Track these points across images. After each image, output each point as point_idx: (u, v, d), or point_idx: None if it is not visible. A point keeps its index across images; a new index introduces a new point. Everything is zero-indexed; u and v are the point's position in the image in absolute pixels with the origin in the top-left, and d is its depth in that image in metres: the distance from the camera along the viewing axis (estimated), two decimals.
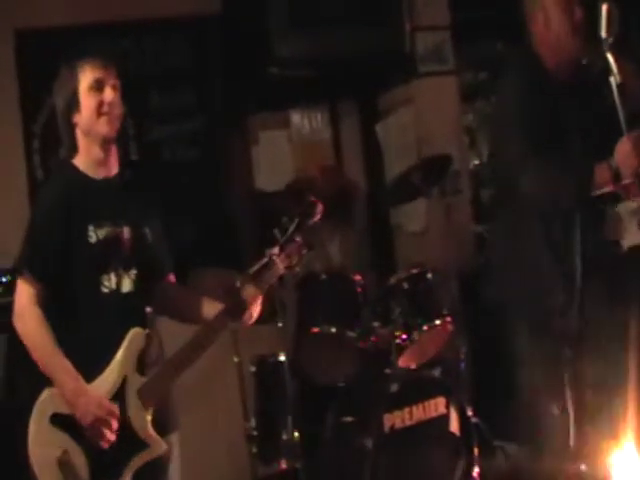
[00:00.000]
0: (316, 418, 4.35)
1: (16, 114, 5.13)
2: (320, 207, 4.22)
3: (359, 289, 4.53)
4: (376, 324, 4.53)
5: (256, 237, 5.18)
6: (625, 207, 3.60)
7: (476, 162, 6.04)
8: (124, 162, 3.35)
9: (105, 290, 3.14)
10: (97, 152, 3.21)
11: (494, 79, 5.90)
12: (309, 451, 4.29)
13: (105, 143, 3.22)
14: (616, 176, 3.35)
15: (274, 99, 5.52)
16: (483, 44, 5.96)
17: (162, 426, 3.17)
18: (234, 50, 5.45)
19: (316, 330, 4.42)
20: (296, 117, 5.81)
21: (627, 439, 3.37)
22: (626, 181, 3.32)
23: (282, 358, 4.40)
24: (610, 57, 3.16)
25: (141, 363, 3.16)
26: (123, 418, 3.08)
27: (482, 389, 4.66)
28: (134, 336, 3.13)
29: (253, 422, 4.46)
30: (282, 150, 5.73)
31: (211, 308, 3.27)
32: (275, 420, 4.43)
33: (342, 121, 5.93)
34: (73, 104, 3.19)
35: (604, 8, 3.15)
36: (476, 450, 4.34)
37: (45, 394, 3.07)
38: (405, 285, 4.53)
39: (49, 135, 5.09)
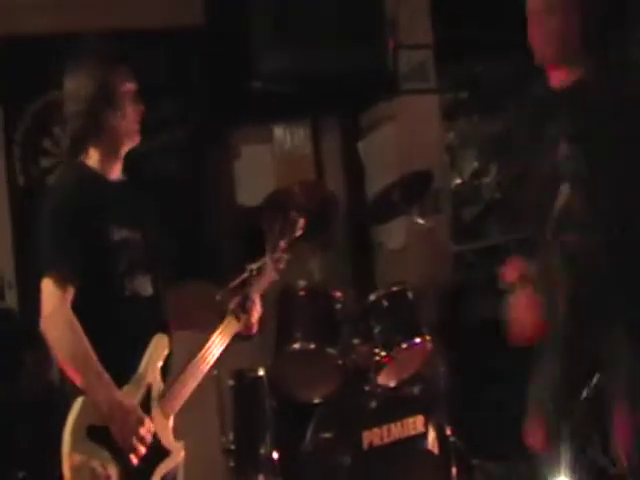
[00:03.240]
0: (295, 434, 4.33)
1: None
2: (302, 222, 4.21)
3: (339, 305, 4.51)
4: (356, 341, 4.50)
5: (237, 252, 5.16)
6: None
7: (457, 181, 6.05)
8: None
9: (127, 294, 3.05)
10: (116, 155, 3.18)
11: (475, 98, 5.96)
12: (287, 467, 4.26)
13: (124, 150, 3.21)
14: None
15: (257, 113, 5.50)
16: (465, 63, 5.99)
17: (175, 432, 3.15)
18: (217, 63, 5.44)
19: (295, 346, 4.40)
20: (278, 132, 5.80)
21: None
22: None
23: (261, 373, 4.38)
24: None
25: (163, 371, 3.09)
26: None
27: (462, 408, 4.65)
28: (158, 342, 3.06)
29: (231, 436, 4.42)
30: (264, 164, 5.72)
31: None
32: (253, 435, 4.39)
33: (324, 137, 5.93)
34: (110, 101, 3.11)
35: None
36: (454, 469, 4.34)
37: (79, 405, 2.89)
38: (385, 302, 4.51)
39: (30, 142, 5.09)
